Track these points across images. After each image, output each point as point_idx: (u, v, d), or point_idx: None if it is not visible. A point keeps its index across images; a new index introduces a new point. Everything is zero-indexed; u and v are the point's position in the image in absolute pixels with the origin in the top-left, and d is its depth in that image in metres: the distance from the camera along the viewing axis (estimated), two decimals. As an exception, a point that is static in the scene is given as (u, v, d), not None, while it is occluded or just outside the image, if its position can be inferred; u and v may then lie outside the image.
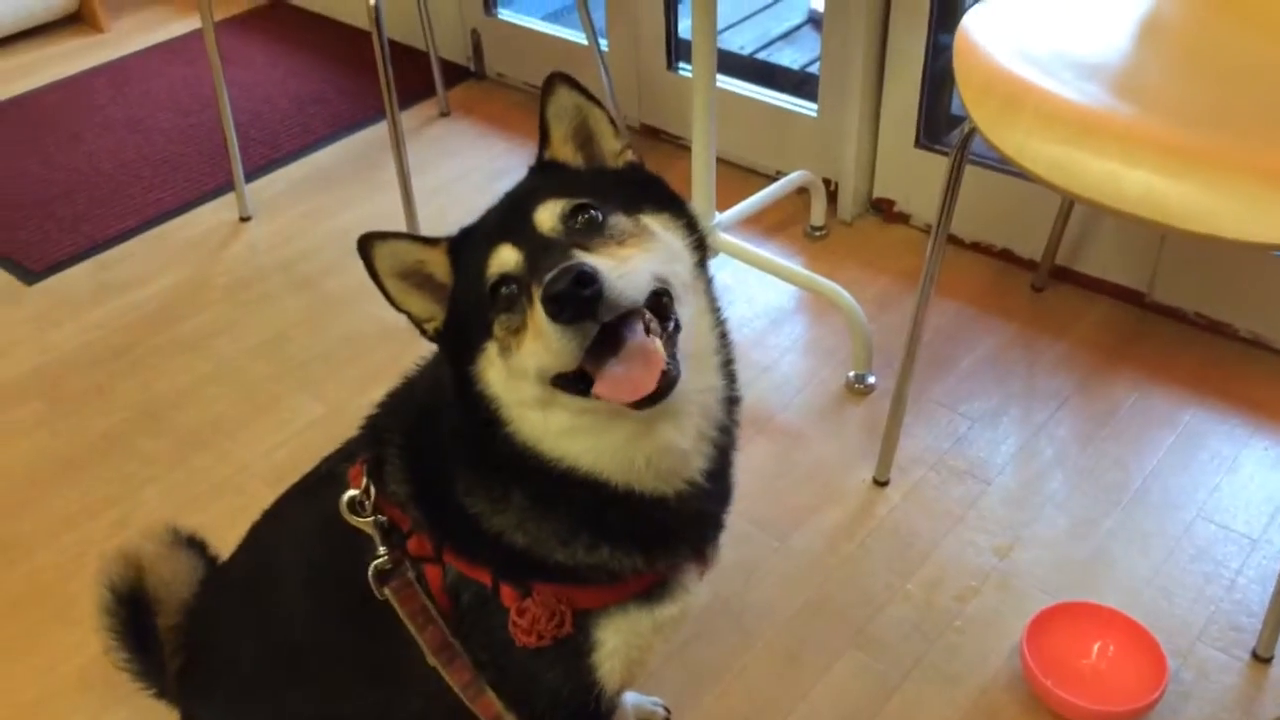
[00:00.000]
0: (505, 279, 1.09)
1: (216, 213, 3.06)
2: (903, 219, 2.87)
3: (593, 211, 1.12)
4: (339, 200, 3.10)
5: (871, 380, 2.39)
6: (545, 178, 1.22)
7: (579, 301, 0.97)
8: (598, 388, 1.03)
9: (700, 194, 2.48)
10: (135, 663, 1.54)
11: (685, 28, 3.12)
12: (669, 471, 1.17)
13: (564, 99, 1.22)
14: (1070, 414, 2.30)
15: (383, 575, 1.27)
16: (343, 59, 3.74)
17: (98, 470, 2.30)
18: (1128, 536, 2.04)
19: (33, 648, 1.96)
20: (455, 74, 3.58)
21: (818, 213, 2.83)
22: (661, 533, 1.23)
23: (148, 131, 3.39)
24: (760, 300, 2.64)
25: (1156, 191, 1.49)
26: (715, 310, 1.24)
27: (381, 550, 1.26)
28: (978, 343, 2.49)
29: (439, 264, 1.19)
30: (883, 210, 2.90)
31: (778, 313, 2.62)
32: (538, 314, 1.00)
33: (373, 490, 1.28)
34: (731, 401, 1.25)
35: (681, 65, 3.13)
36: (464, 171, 3.19)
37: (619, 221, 1.13)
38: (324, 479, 1.38)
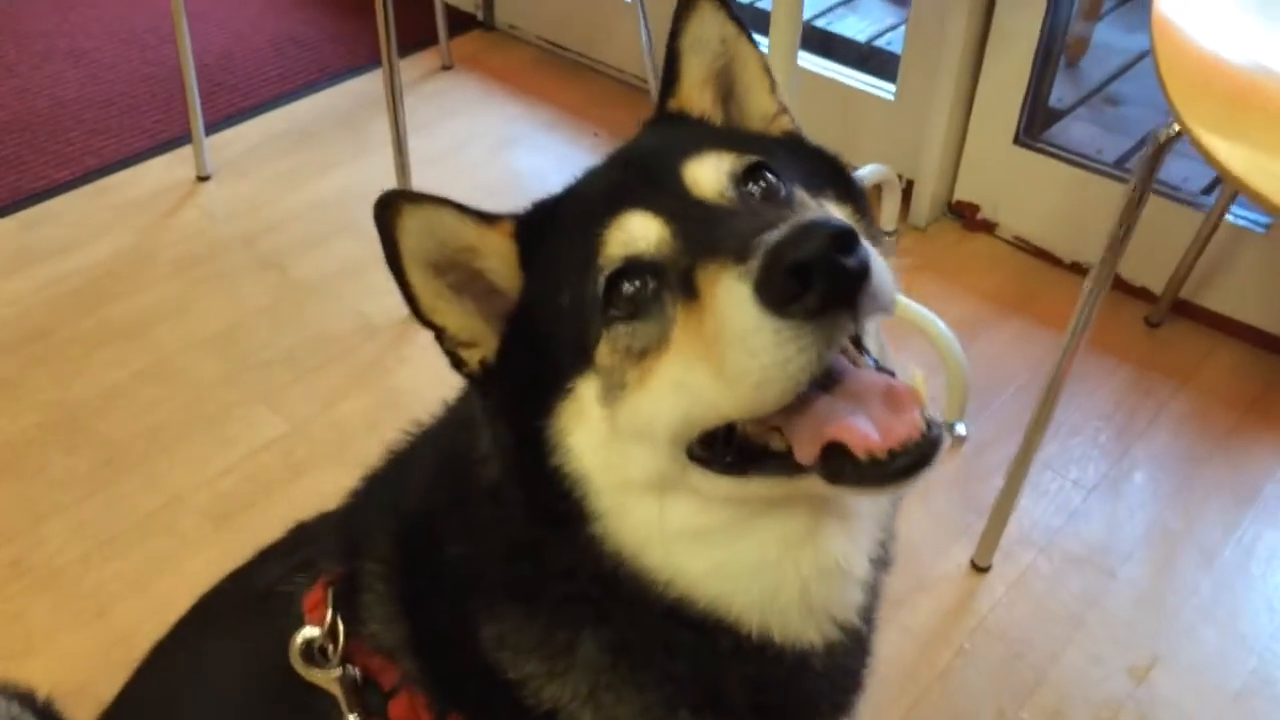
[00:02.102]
0: (634, 267, 0.70)
1: (169, 169, 2.56)
2: (987, 228, 2.42)
3: (771, 177, 0.74)
4: (317, 162, 2.60)
5: (962, 431, 1.95)
6: (682, 130, 0.83)
7: (838, 276, 0.61)
8: (834, 431, 0.66)
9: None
10: None
11: (740, -17, 2.65)
12: (825, 605, 0.80)
13: (710, 24, 0.83)
14: (1206, 486, 1.88)
15: None
16: (331, -5, 3.23)
17: (-7, 492, 1.83)
18: (1292, 659, 1.63)
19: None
20: (461, 22, 3.09)
21: (889, 214, 2.37)
22: (792, 703, 0.85)
23: (93, 65, 2.88)
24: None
25: None
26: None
27: (351, 718, 0.87)
28: (1086, 389, 2.06)
29: (500, 254, 0.78)
30: (963, 215, 2.45)
31: (843, 335, 2.18)
32: (732, 306, 0.64)
33: (341, 630, 0.87)
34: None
35: (734, 29, 2.65)
36: (466, 137, 2.71)
37: (806, 201, 0.78)
38: (265, 597, 0.94)
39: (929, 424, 0.67)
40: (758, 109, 0.87)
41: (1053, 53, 2.30)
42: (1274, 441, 1.96)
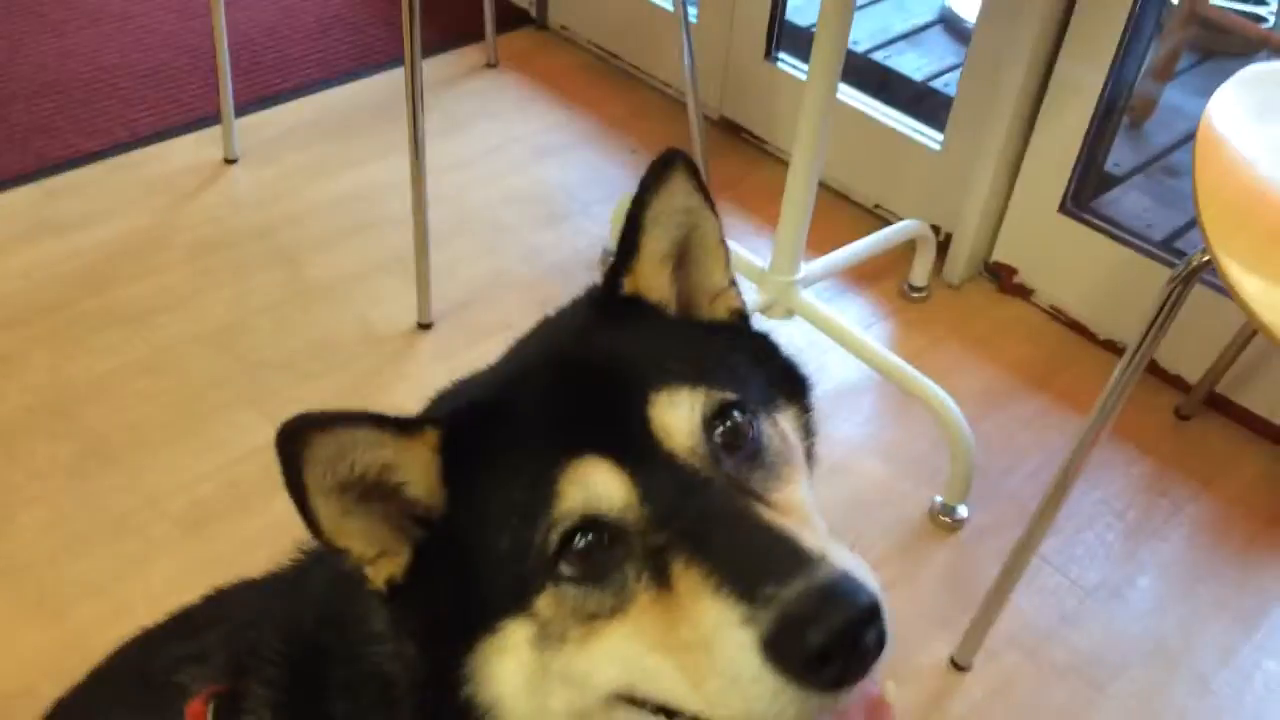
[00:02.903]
0: (593, 526, 0.65)
1: (197, 148, 2.53)
2: (1023, 293, 2.32)
3: (738, 416, 0.71)
4: (346, 155, 2.56)
5: (963, 514, 1.87)
6: (635, 331, 0.76)
7: (855, 656, 0.60)
8: None
9: (789, 231, 1.95)
10: None
11: (795, 8, 2.56)
12: None
13: (678, 196, 0.77)
14: (1213, 602, 1.78)
15: None
16: (385, -23, 3.18)
17: (-29, 474, 1.82)
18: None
19: None
20: (511, 18, 3.02)
21: (920, 270, 2.29)
22: None
23: (141, 32, 2.86)
24: (835, 374, 2.11)
25: None
26: None
27: None
28: (1103, 479, 1.96)
29: (421, 466, 0.71)
30: (1000, 277, 2.34)
31: (852, 395, 2.10)
32: (729, 646, 0.60)
33: None
34: None
35: (782, 56, 2.56)
36: (503, 141, 2.65)
37: (770, 436, 0.74)
38: (157, 685, 0.92)
39: None
40: (708, 283, 0.81)
41: (1113, 114, 2.18)
42: (1294, 562, 1.85)
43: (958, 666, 1.66)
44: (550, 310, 0.85)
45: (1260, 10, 2.87)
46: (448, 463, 0.71)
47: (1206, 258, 1.20)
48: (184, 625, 1.01)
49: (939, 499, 1.88)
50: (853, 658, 0.59)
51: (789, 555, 0.61)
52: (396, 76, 2.82)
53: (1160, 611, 1.77)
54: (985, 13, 2.21)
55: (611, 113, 2.76)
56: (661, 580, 0.64)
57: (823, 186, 2.47)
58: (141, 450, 1.88)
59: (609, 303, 0.79)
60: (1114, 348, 2.20)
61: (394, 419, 0.71)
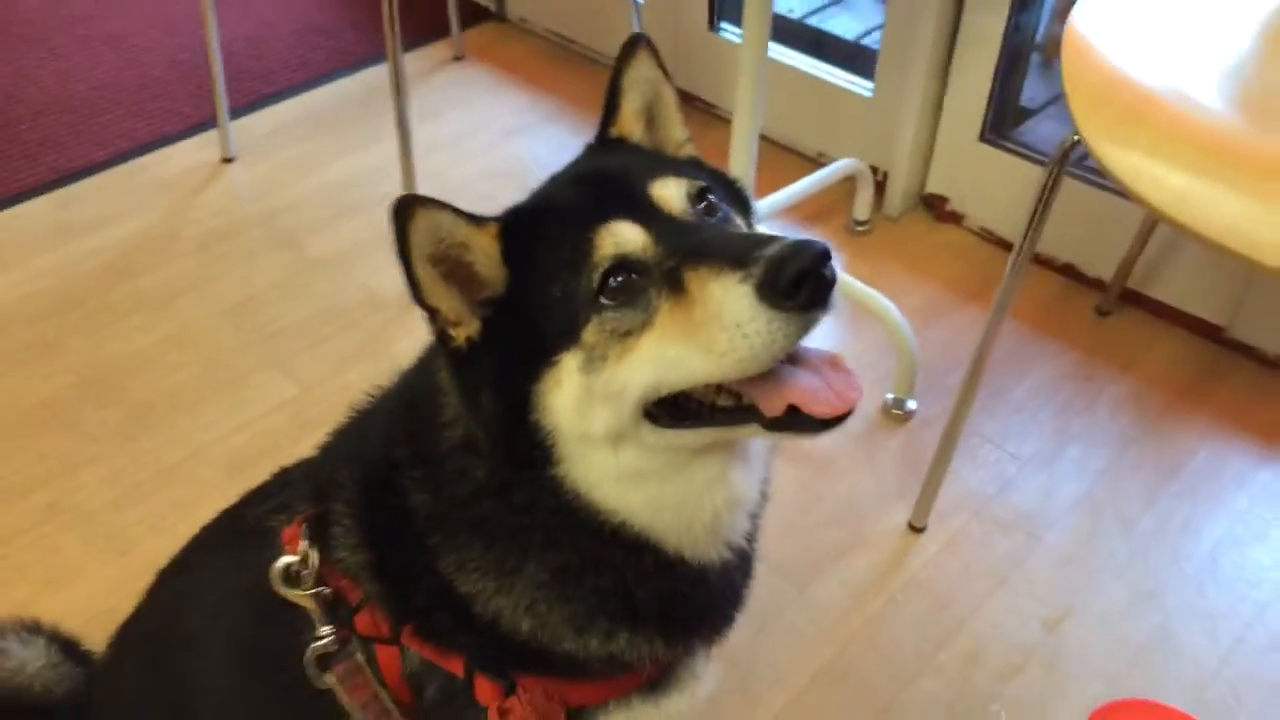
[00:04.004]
0: (624, 265, 0.87)
1: (196, 150, 2.76)
2: (955, 219, 2.58)
3: (712, 199, 0.95)
4: (333, 147, 2.80)
5: (912, 406, 2.12)
6: (628, 154, 1.02)
7: (821, 283, 0.80)
8: (792, 396, 0.85)
9: (738, 176, 2.18)
10: None
11: (731, -16, 2.81)
12: (726, 530, 1.00)
13: (643, 68, 1.02)
14: (1134, 462, 2.04)
15: (325, 658, 1.05)
16: (352, -14, 3.42)
17: (33, 443, 2.04)
18: (1193, 616, 1.79)
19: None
20: (474, 14, 3.26)
21: (862, 205, 2.55)
22: (689, 612, 1.04)
23: (131, 51, 3.09)
24: (792, 300, 2.35)
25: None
26: None
27: (323, 629, 1.04)
28: (1033, 370, 2.21)
29: (485, 251, 0.92)
30: (934, 207, 2.60)
31: (810, 316, 2.34)
32: (731, 301, 0.82)
33: (313, 557, 1.05)
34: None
35: (724, 26, 2.82)
36: (474, 125, 2.89)
37: (733, 217, 0.97)
38: (252, 531, 1.12)
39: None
40: (672, 137, 1.05)
41: (1019, 54, 2.44)
42: (1200, 424, 2.11)
43: (914, 529, 1.91)
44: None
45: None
46: (506, 248, 0.92)
47: (1076, 137, 1.44)
48: (260, 493, 1.21)
49: (890, 396, 2.13)
50: (820, 283, 0.80)
51: (763, 239, 0.84)
52: (370, 75, 3.08)
53: (1089, 473, 2.02)
54: (900, -28, 2.47)
55: (572, 92, 3.00)
56: (677, 290, 0.85)
57: (770, 141, 2.73)
58: (181, 411, 2.10)
59: (605, 141, 1.03)
60: (1040, 261, 2.46)
61: (468, 213, 0.92)
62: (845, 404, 0.85)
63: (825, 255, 0.79)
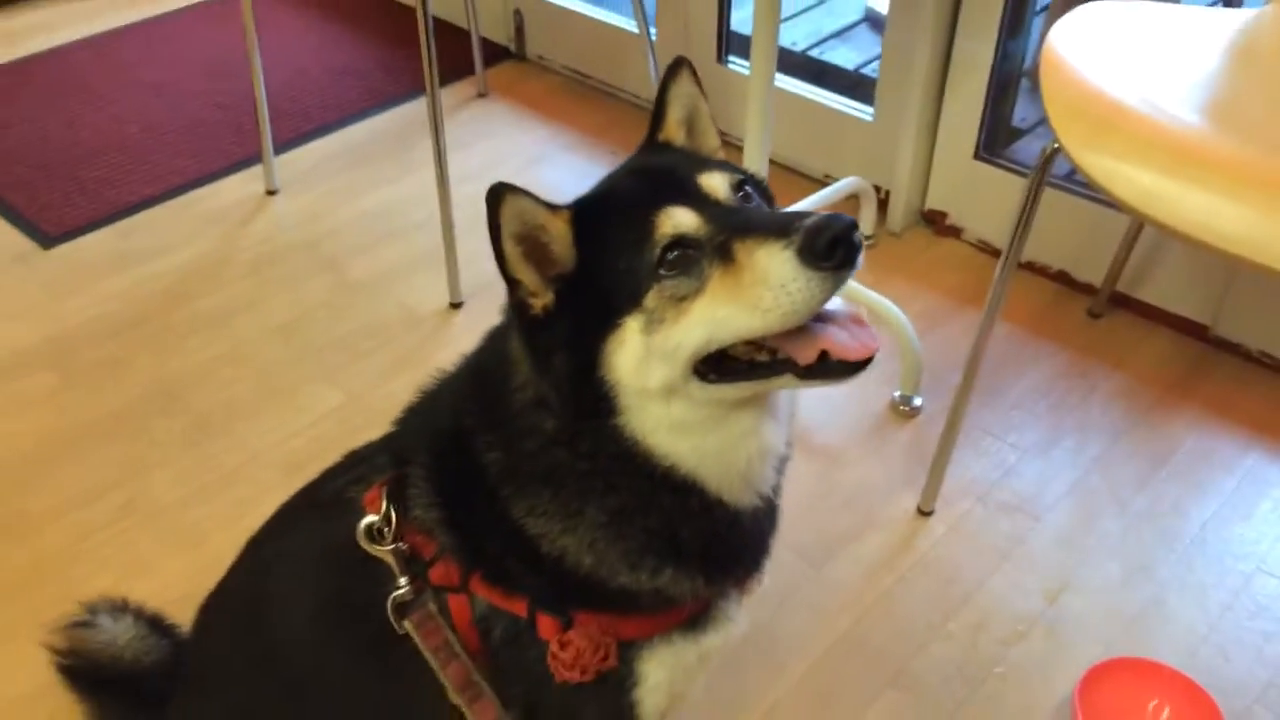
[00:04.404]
0: (680, 241, 1.02)
1: (243, 184, 2.95)
2: (954, 233, 2.75)
3: (749, 189, 1.10)
4: (369, 179, 2.99)
5: (918, 403, 2.28)
6: (675, 153, 1.18)
7: (852, 247, 0.95)
8: (824, 344, 1.00)
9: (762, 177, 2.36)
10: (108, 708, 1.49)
11: (738, 20, 3.00)
12: (758, 479, 1.14)
13: (685, 84, 1.18)
14: (1126, 451, 2.19)
15: (402, 607, 1.18)
16: (380, 31, 3.63)
17: (107, 449, 2.20)
18: (1184, 587, 1.93)
19: (37, 631, 1.87)
20: (495, 54, 3.46)
21: (866, 221, 2.72)
22: (726, 553, 1.17)
23: (177, 96, 3.29)
24: (803, 310, 2.52)
25: (1262, 231, 1.38)
26: None
27: (402, 580, 1.18)
28: (1030, 369, 2.37)
29: (559, 234, 1.07)
30: (934, 223, 2.78)
31: (821, 324, 2.51)
32: (776, 264, 0.97)
33: (393, 516, 1.19)
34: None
35: (732, 59, 3.01)
36: (500, 156, 3.08)
37: (764, 205, 1.13)
38: (332, 502, 1.28)
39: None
40: (708, 144, 1.22)
41: (1010, 79, 2.62)
42: (1188, 416, 2.26)
43: (923, 513, 2.06)
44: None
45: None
46: (576, 231, 1.07)
47: (1056, 145, 1.61)
48: (333, 472, 1.34)
49: (898, 393, 2.29)
50: (850, 247, 0.93)
51: (799, 214, 0.99)
52: (400, 112, 3.27)
53: (1084, 460, 2.17)
54: (894, 8, 2.65)
55: (590, 124, 3.20)
56: (726, 260, 1.00)
57: (778, 164, 2.92)
58: (239, 420, 2.27)
59: (653, 144, 1.19)
60: (1034, 268, 2.63)
61: (546, 201, 1.07)
62: (868, 350, 1.00)
63: (853, 225, 0.95)
